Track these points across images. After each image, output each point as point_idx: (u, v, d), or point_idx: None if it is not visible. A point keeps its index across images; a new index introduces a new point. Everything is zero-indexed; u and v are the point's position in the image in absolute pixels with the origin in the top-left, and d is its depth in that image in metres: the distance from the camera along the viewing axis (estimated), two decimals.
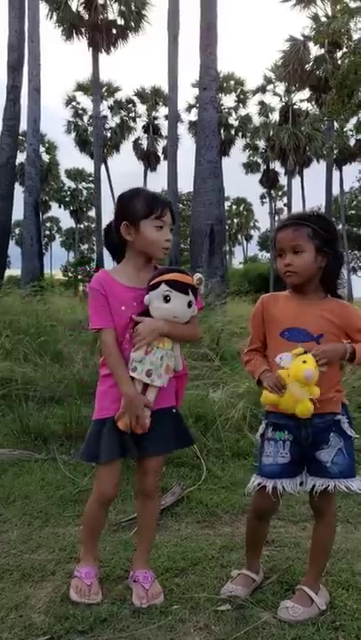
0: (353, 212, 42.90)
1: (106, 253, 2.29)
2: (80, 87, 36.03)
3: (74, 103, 37.58)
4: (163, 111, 37.88)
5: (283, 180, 41.52)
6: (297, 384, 1.92)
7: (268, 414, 2.13)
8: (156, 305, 2.02)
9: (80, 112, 37.82)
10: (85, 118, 37.74)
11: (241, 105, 39.04)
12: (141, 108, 39.68)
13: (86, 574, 2.15)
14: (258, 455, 2.18)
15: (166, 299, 2.01)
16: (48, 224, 62.94)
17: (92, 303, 2.09)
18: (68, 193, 53.17)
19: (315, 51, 27.91)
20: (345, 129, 15.56)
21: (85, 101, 36.87)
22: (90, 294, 2.12)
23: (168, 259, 18.88)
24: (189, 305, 2.05)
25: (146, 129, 40.19)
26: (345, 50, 15.55)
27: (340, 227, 36.41)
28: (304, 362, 1.91)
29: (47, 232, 62.62)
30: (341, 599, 2.14)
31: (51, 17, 23.96)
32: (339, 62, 19.47)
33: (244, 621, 1.99)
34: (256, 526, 2.26)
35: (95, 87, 26.23)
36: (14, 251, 30.10)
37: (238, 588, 2.15)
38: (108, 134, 38.05)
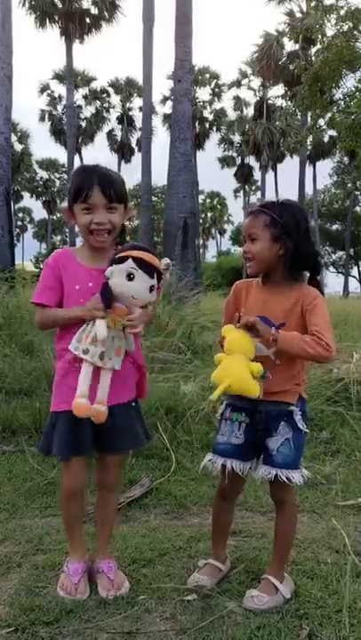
0: (325, 207, 43.33)
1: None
2: (56, 76, 35.58)
3: (48, 91, 37.12)
4: (137, 102, 37.71)
5: (257, 174, 41.74)
6: (238, 357, 1.95)
7: (229, 395, 2.14)
8: (116, 280, 1.90)
9: (55, 100, 37.36)
10: (60, 108, 37.32)
11: (216, 98, 39.11)
12: (115, 99, 39.44)
13: (74, 571, 2.11)
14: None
15: (130, 276, 1.89)
16: (20, 214, 62.16)
17: (41, 278, 2.07)
18: (41, 183, 52.52)
19: (289, 46, 28.13)
20: (317, 125, 15.66)
21: (60, 90, 36.46)
22: (42, 269, 2.10)
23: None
24: (151, 289, 1.95)
25: (120, 120, 39.92)
26: (319, 46, 15.65)
27: (313, 222, 36.80)
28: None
29: (19, 223, 61.84)
30: (306, 588, 2.17)
31: (23, 4, 23.60)
32: (312, 58, 19.62)
33: (209, 611, 2.01)
34: (220, 508, 2.28)
35: (69, 76, 25.96)
36: None
37: (205, 578, 2.17)
38: (83, 124, 37.67)
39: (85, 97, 38.13)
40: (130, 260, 1.89)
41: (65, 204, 2.10)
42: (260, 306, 2.07)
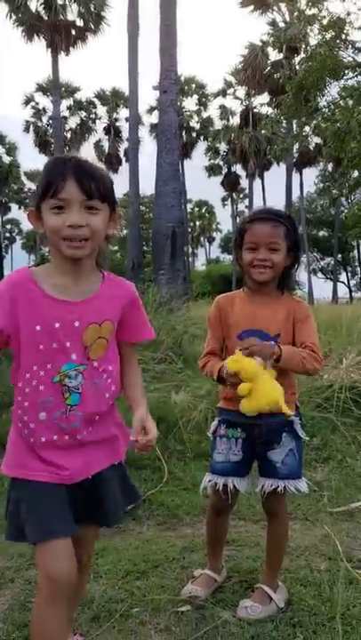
0: (311, 215, 43.61)
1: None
2: (40, 88, 35.69)
3: (33, 103, 37.19)
4: (123, 113, 37.84)
5: (244, 182, 41.98)
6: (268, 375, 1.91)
7: (222, 411, 2.15)
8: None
9: (40, 112, 37.43)
10: (45, 119, 37.38)
11: (202, 108, 39.37)
12: (102, 110, 39.55)
13: None
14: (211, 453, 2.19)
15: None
16: (8, 226, 61.94)
17: None
18: (29, 194, 52.43)
19: (273, 55, 28.41)
20: (303, 132, 15.82)
21: (44, 101, 36.55)
22: None
23: (130, 260, 18.87)
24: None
25: (107, 131, 40.04)
26: (302, 55, 15.83)
27: (301, 229, 37.02)
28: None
29: (7, 234, 61.61)
30: (299, 596, 2.18)
31: (10, 17, 23.70)
32: (296, 67, 19.85)
33: (203, 621, 2.01)
34: (214, 523, 2.27)
35: (54, 88, 26.03)
36: None
37: (198, 589, 2.16)
38: (68, 135, 37.73)
39: (69, 108, 38.20)
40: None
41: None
42: (250, 318, 2.03)
